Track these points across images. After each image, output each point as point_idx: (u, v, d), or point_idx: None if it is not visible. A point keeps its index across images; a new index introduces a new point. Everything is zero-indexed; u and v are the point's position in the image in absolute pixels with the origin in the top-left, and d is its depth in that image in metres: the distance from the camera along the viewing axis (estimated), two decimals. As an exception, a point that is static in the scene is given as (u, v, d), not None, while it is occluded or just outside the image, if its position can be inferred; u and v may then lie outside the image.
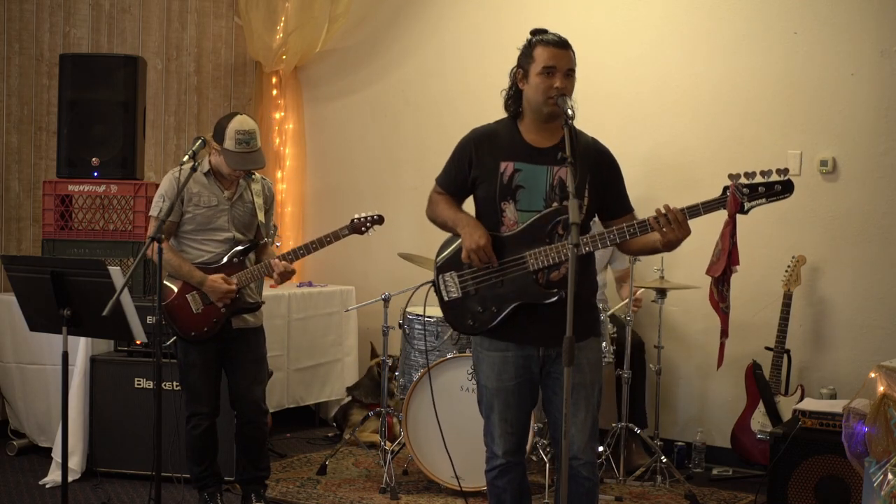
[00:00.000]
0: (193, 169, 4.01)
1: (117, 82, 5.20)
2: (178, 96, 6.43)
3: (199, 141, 4.00)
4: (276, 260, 4.09)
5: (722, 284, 3.13)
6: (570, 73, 3.10)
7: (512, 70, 3.19)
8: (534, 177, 3.10)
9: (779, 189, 2.90)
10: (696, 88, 5.37)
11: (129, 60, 5.28)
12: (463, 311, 3.21)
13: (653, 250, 3.11)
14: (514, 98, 3.19)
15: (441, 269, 3.26)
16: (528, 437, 3.33)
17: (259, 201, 4.20)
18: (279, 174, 6.69)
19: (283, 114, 6.71)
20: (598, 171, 3.13)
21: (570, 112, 2.98)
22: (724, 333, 3.23)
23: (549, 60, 3.07)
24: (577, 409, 3.10)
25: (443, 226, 3.32)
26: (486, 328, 3.18)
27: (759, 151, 5.19)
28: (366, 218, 4.18)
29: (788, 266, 4.93)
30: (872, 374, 3.50)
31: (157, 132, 6.32)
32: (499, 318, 3.14)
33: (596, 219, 3.28)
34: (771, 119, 5.17)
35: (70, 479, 4.35)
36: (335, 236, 4.12)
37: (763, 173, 2.89)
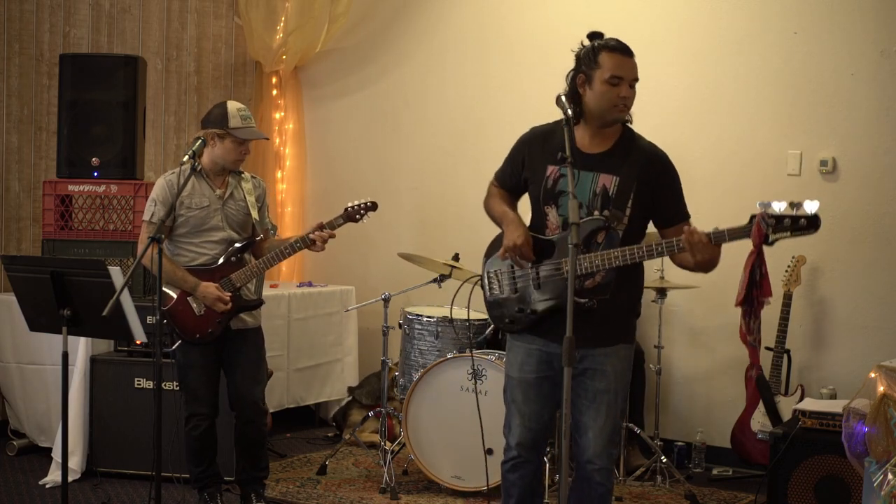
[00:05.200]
0: (194, 168, 4.01)
1: (117, 82, 5.20)
2: (178, 96, 6.43)
3: (200, 141, 4.00)
4: (315, 233, 4.04)
5: (749, 317, 3.06)
6: (634, 83, 3.09)
7: (569, 74, 3.15)
8: (578, 183, 3.07)
9: (804, 224, 2.80)
10: (696, 88, 5.37)
11: (129, 60, 5.28)
12: (503, 310, 3.25)
13: (692, 268, 3.06)
14: (573, 103, 3.12)
15: (488, 265, 3.31)
16: (545, 437, 3.32)
17: (251, 199, 4.19)
18: (279, 174, 6.69)
19: (283, 114, 6.71)
20: (646, 178, 3.09)
21: (569, 112, 3.00)
22: (753, 366, 3.13)
23: (616, 69, 3.06)
24: (597, 414, 3.11)
25: (493, 220, 3.35)
26: (523, 328, 3.22)
27: (759, 151, 5.19)
28: (359, 205, 4.15)
29: (788, 266, 4.93)
30: (872, 374, 3.51)
31: (157, 132, 6.32)
32: (533, 320, 3.17)
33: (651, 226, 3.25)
34: (771, 119, 5.18)
35: (70, 479, 4.35)
36: (331, 225, 4.10)
37: (793, 205, 2.81)
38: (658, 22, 5.48)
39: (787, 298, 4.89)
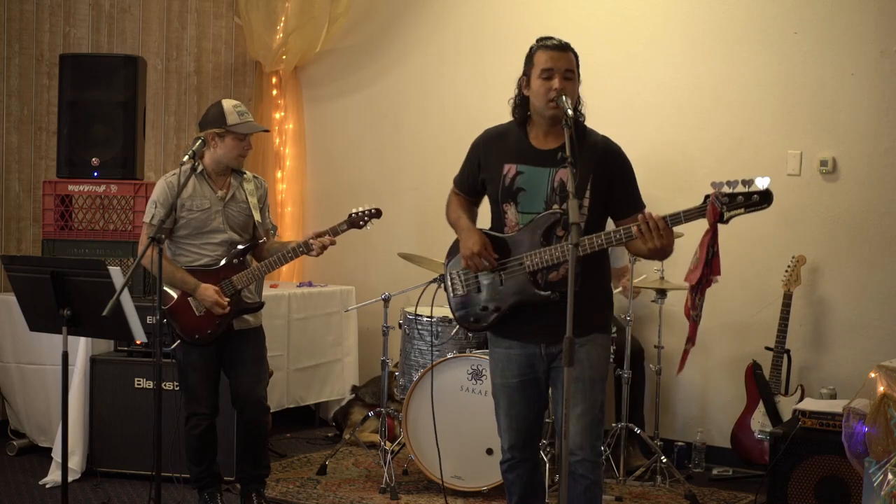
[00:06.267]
0: (194, 168, 4.01)
1: (117, 82, 5.20)
2: (178, 96, 6.43)
3: (200, 141, 4.00)
4: (315, 239, 4.03)
5: (696, 293, 3.13)
6: (569, 75, 3.11)
7: (519, 79, 3.23)
8: (535, 179, 3.13)
9: (756, 199, 2.90)
10: (696, 88, 5.37)
11: (129, 60, 5.27)
12: (467, 309, 3.29)
13: (646, 256, 3.12)
14: (520, 105, 3.22)
15: (450, 266, 3.34)
16: (537, 435, 3.37)
17: (253, 200, 4.19)
18: (279, 174, 6.69)
19: (283, 114, 6.71)
20: (602, 170, 3.13)
21: (569, 112, 3.00)
22: (690, 341, 3.23)
23: (546, 63, 3.11)
24: (574, 402, 3.12)
25: (452, 227, 3.39)
26: (488, 326, 3.26)
27: (759, 151, 5.19)
28: (363, 212, 4.14)
29: (788, 266, 4.93)
30: (872, 374, 3.50)
31: (157, 132, 6.32)
32: (497, 317, 3.21)
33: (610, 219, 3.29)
34: (771, 119, 5.17)
35: (70, 479, 4.35)
36: (333, 231, 4.09)
37: (745, 182, 2.90)
38: (658, 22, 5.48)
39: (787, 298, 4.89)
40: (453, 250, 3.34)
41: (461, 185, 3.39)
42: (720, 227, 3.01)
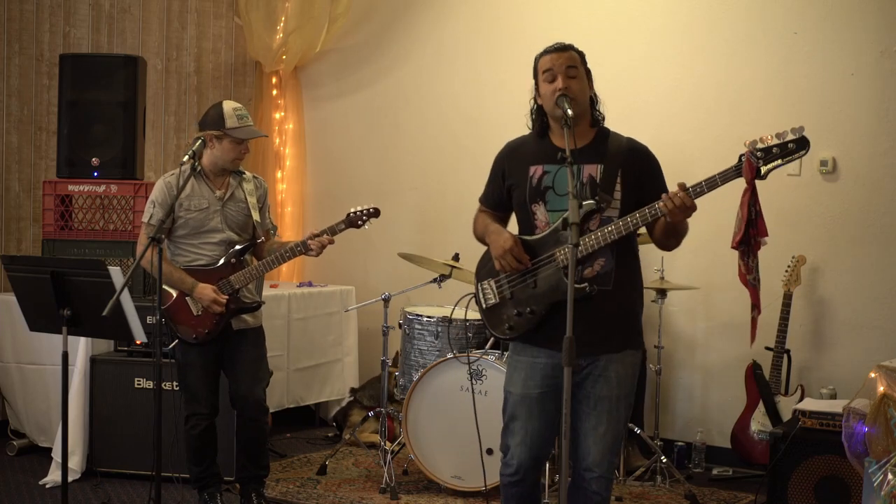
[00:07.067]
0: (194, 168, 4.00)
1: (117, 82, 5.20)
2: (178, 96, 6.44)
3: (200, 141, 4.00)
4: (313, 239, 4.02)
5: (748, 256, 3.06)
6: (571, 72, 3.11)
7: (532, 92, 3.23)
8: (562, 177, 3.10)
9: (793, 147, 2.86)
10: (697, 88, 5.37)
11: (129, 60, 5.28)
12: (501, 317, 3.21)
13: (663, 243, 3.14)
14: (537, 117, 3.22)
15: (480, 277, 3.29)
16: (546, 456, 3.31)
17: (252, 200, 4.19)
18: (279, 174, 6.70)
19: (283, 114, 6.72)
20: (630, 169, 3.12)
21: (569, 112, 3.00)
22: (755, 308, 3.13)
23: (546, 65, 3.12)
24: (598, 421, 3.09)
25: (480, 240, 3.35)
26: (525, 332, 3.17)
27: (759, 151, 5.19)
28: (362, 211, 4.14)
29: (788, 266, 4.93)
30: (872, 374, 3.50)
31: (157, 132, 6.32)
32: (534, 320, 3.13)
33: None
34: (771, 119, 5.16)
35: (70, 479, 4.35)
36: (332, 231, 4.08)
37: (778, 135, 2.87)
38: (658, 23, 5.48)
39: (787, 298, 4.89)
40: (483, 262, 3.30)
41: (488, 201, 3.35)
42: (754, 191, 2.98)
